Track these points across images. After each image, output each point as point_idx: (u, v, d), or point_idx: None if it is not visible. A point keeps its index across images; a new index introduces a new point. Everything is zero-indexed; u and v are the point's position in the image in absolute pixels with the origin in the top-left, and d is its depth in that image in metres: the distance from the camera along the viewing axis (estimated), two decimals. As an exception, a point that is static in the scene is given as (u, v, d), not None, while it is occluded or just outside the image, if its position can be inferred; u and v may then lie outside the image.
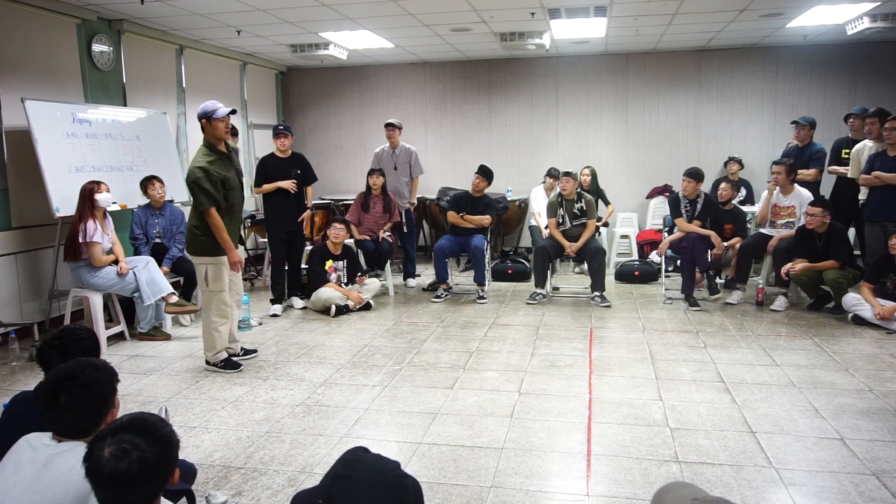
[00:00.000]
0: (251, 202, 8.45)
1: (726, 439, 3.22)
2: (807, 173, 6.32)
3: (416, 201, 7.43)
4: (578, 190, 6.36)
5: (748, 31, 7.27)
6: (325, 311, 5.90)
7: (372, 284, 6.28)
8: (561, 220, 6.34)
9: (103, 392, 1.80)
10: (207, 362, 4.44)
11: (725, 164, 7.89)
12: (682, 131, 8.68)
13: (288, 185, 5.84)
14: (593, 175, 7.58)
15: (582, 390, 3.92)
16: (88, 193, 4.81)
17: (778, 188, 6.03)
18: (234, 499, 2.74)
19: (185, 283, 5.65)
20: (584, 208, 6.29)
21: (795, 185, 6.03)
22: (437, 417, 3.55)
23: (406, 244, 7.12)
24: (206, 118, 4.11)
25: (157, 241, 5.64)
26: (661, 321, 5.51)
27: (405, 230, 7.02)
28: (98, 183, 4.88)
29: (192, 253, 4.34)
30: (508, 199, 8.13)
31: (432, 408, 3.68)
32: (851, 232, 6.42)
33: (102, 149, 5.63)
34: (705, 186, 6.24)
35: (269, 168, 5.94)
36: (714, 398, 3.76)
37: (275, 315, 5.87)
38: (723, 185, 6.31)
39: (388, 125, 7.14)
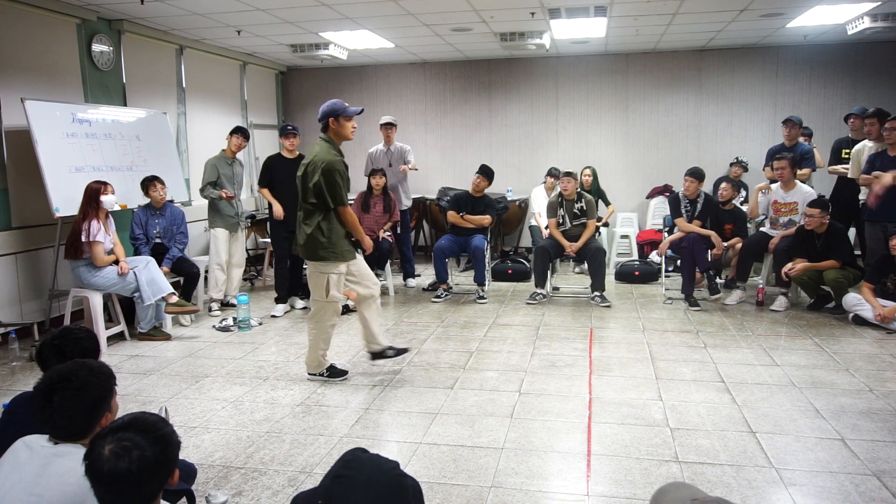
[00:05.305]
0: (251, 202, 8.47)
1: (726, 439, 3.22)
2: (801, 173, 6.31)
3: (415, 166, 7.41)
4: (578, 190, 6.36)
5: (748, 31, 7.27)
6: (325, 311, 5.89)
7: (372, 284, 6.27)
8: (561, 220, 6.34)
9: (96, 396, 1.78)
10: (309, 373, 4.22)
11: (731, 165, 7.85)
12: (682, 131, 8.68)
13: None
14: (594, 175, 7.58)
15: (582, 390, 3.92)
16: (94, 193, 4.82)
17: (777, 184, 6.01)
18: (234, 499, 2.74)
19: (186, 283, 5.65)
20: (584, 208, 6.29)
21: (797, 181, 6.01)
22: (437, 417, 3.55)
23: (402, 245, 7.11)
24: (335, 116, 3.95)
25: (158, 241, 5.64)
26: (661, 321, 5.51)
27: (398, 231, 7.00)
28: (105, 184, 4.89)
29: (313, 259, 3.98)
30: (508, 199, 8.13)
31: (432, 408, 3.68)
32: (851, 232, 6.41)
33: (102, 149, 5.63)
34: (706, 186, 6.24)
35: (274, 168, 5.94)
36: (714, 398, 3.76)
37: (276, 315, 5.86)
38: (723, 184, 6.30)
39: (387, 125, 7.14)
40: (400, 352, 4.36)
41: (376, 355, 4.30)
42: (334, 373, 4.21)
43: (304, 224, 3.99)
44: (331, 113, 3.96)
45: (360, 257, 4.22)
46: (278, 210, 5.87)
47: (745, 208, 6.67)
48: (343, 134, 4.02)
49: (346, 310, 5.89)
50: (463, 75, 9.11)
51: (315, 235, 3.94)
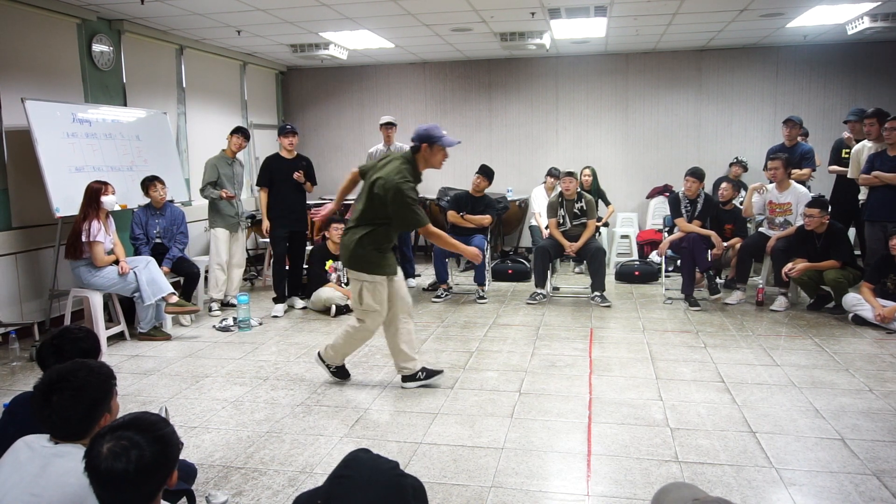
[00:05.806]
0: (251, 202, 8.47)
1: (726, 439, 3.22)
2: (801, 173, 6.31)
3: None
4: (578, 190, 6.36)
5: (748, 31, 7.27)
6: (325, 311, 5.90)
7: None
8: (561, 220, 6.34)
9: (95, 396, 1.77)
10: (320, 355, 4.12)
11: (731, 164, 7.85)
12: (682, 131, 8.68)
13: (296, 176, 5.92)
14: (594, 175, 7.58)
15: (582, 390, 3.92)
16: (95, 194, 4.82)
17: (773, 184, 6.00)
18: (234, 499, 2.74)
19: (186, 283, 5.65)
20: (585, 208, 6.29)
21: (791, 181, 6.00)
22: (437, 417, 3.55)
23: (402, 245, 7.11)
24: (431, 143, 3.76)
25: (158, 241, 5.64)
26: (661, 321, 5.51)
27: None
28: (105, 184, 4.89)
29: (353, 267, 3.86)
30: (509, 199, 8.13)
31: (432, 408, 3.68)
32: (851, 232, 6.41)
33: (102, 149, 5.63)
34: (706, 186, 6.23)
35: (273, 168, 5.95)
36: (714, 398, 3.76)
37: (276, 315, 5.86)
38: (723, 184, 6.30)
39: (388, 125, 7.13)
40: (431, 374, 4.07)
41: (407, 378, 4.05)
42: (340, 373, 4.17)
43: (348, 231, 3.89)
44: (428, 139, 3.77)
45: (401, 281, 4.05)
46: (266, 226, 5.93)
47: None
48: (432, 163, 3.85)
49: (346, 310, 5.89)
50: (463, 75, 9.11)
51: (355, 247, 3.81)
